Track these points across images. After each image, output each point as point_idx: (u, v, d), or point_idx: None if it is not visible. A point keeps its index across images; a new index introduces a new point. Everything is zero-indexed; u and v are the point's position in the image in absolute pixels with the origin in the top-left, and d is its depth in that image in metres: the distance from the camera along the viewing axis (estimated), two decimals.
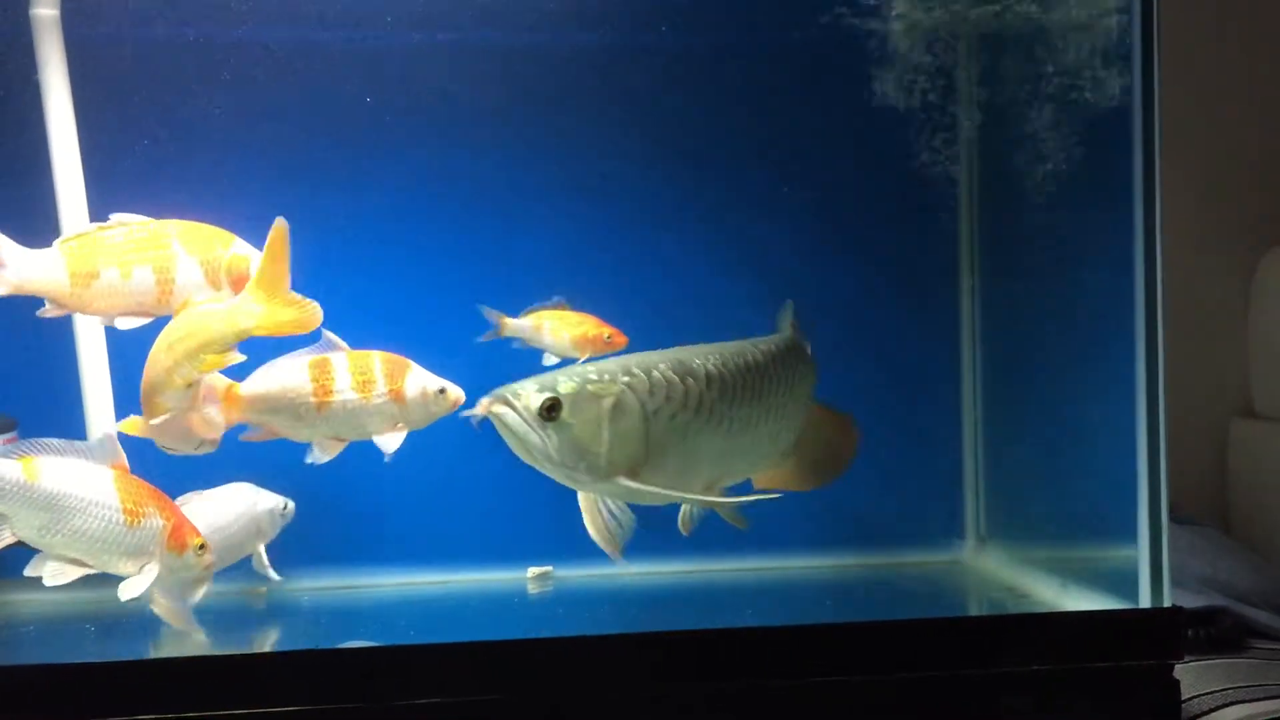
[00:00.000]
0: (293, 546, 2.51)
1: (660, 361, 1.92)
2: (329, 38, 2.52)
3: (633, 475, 1.86)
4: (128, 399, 2.41)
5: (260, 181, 2.54)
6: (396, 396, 2.25)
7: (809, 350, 2.34)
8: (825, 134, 2.75)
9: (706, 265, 2.73)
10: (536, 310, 2.55)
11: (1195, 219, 3.09)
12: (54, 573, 2.05)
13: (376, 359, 2.26)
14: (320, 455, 2.25)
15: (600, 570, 2.64)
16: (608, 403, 1.81)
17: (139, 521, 2.02)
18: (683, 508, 2.14)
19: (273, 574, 2.46)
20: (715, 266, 2.73)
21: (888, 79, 2.69)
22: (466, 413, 1.93)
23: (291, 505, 2.47)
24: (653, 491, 1.93)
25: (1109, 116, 2.19)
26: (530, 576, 2.66)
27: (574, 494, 2.58)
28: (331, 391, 2.22)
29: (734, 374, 2.01)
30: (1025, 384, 2.70)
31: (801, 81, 2.75)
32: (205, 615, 2.27)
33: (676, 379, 1.89)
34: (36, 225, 2.31)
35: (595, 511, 2.05)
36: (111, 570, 2.08)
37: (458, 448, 2.44)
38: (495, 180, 2.64)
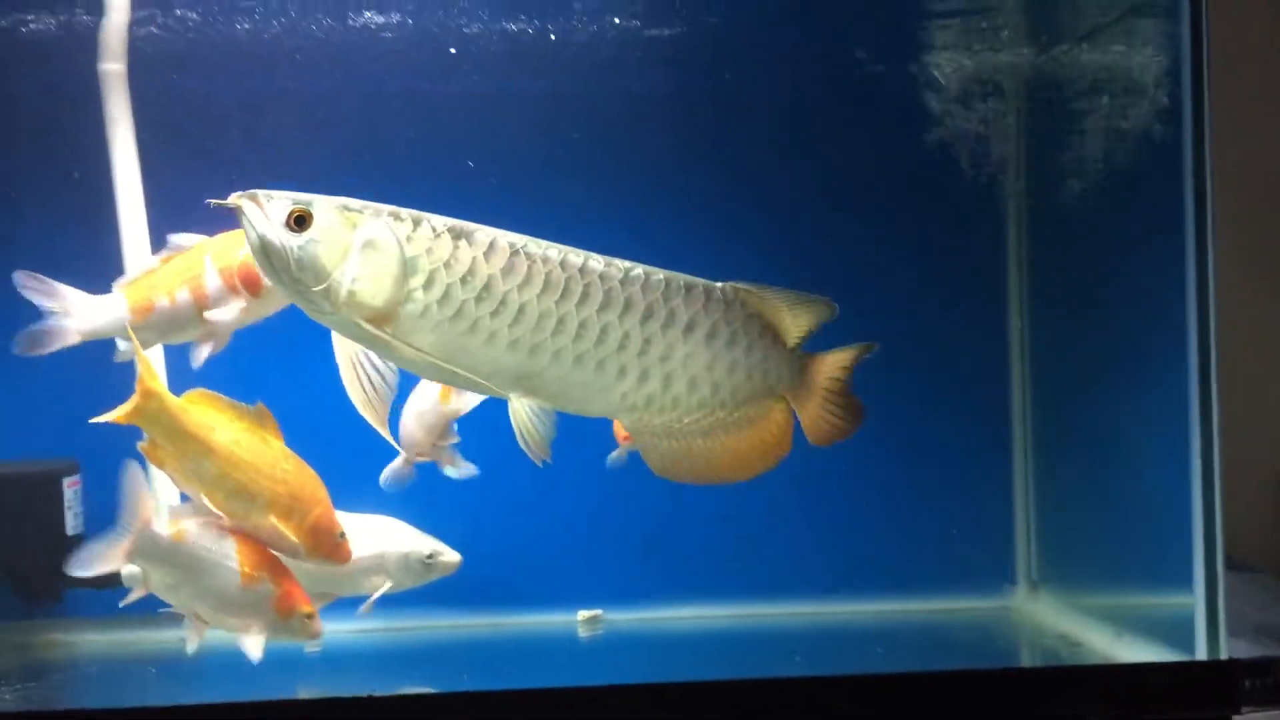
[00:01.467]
0: None
1: (446, 220, 1.79)
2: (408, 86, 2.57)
3: (378, 324, 1.73)
4: None
5: None
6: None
7: (792, 350, 1.97)
8: (886, 173, 2.77)
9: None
10: None
11: (1251, 261, 3.06)
12: (193, 633, 2.14)
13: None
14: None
15: (651, 614, 2.66)
16: (362, 232, 1.72)
17: (253, 584, 2.09)
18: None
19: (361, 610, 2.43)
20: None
21: (943, 114, 2.71)
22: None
23: (444, 555, 2.40)
24: (395, 344, 1.75)
25: (1158, 150, 2.19)
26: (581, 620, 2.67)
27: (623, 536, 2.62)
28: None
29: (551, 267, 1.78)
30: (1077, 426, 2.68)
31: (863, 116, 2.77)
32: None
33: (449, 237, 1.75)
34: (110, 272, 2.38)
35: (352, 370, 1.93)
36: (224, 628, 2.14)
37: (516, 489, 2.46)
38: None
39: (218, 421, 2.04)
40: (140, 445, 2.05)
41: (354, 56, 2.53)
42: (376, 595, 2.34)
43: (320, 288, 1.70)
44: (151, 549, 2.06)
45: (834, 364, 1.95)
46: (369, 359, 1.90)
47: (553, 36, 2.52)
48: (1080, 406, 2.66)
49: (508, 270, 1.75)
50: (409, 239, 1.72)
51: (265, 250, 1.71)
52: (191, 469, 2.04)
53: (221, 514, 2.06)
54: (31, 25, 2.39)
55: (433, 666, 2.53)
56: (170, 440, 2.02)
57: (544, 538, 2.69)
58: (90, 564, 2.04)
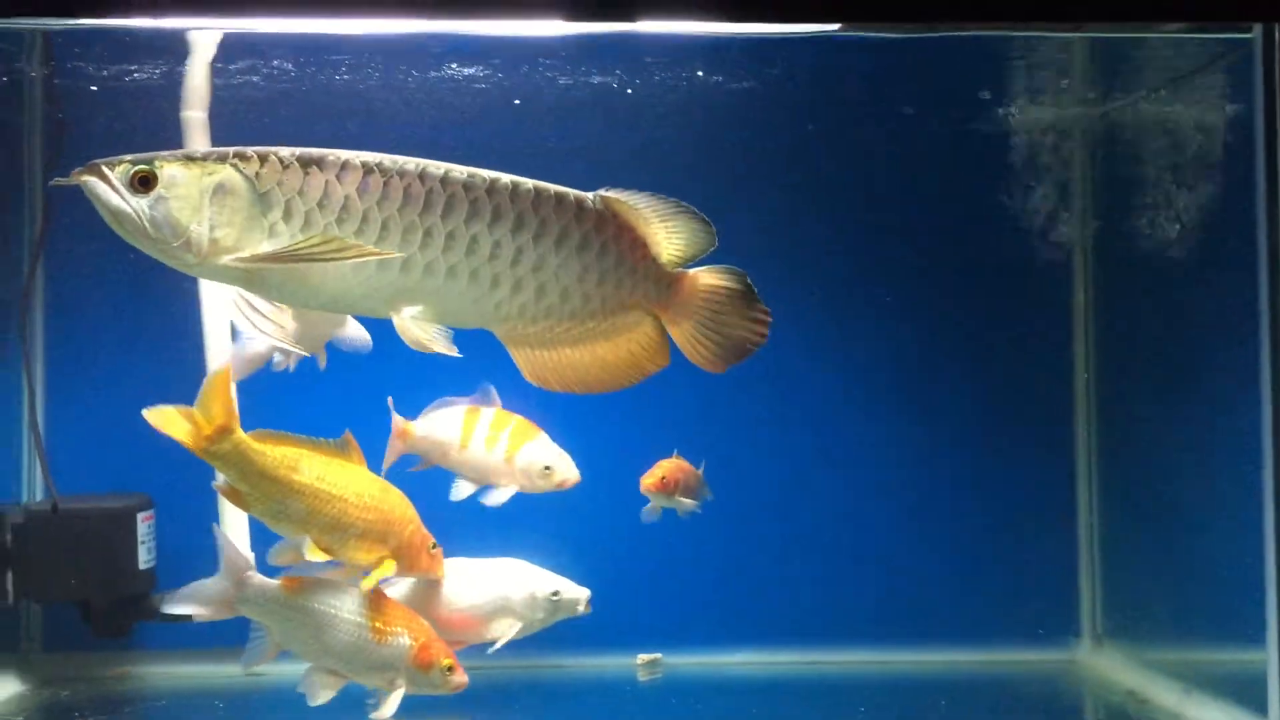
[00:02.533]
0: None
1: (294, 150, 1.74)
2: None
3: (249, 262, 1.70)
4: None
5: None
6: (508, 460, 2.33)
7: (665, 266, 1.86)
8: (957, 222, 2.79)
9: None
10: None
11: None
12: (311, 686, 2.12)
13: (511, 422, 2.34)
14: (458, 493, 2.34)
15: (710, 659, 2.65)
16: (209, 180, 1.68)
17: (386, 639, 2.10)
18: None
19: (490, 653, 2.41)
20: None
21: (1012, 163, 2.74)
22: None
23: (569, 592, 2.37)
24: (268, 281, 1.74)
25: (1229, 200, 2.18)
26: (640, 663, 2.67)
27: (684, 580, 2.62)
28: (470, 439, 2.32)
29: (409, 180, 1.74)
30: (1145, 476, 2.66)
31: (934, 166, 2.79)
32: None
33: (298, 166, 1.71)
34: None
35: (240, 313, 1.96)
36: (364, 682, 2.15)
37: (580, 533, 2.48)
38: None
39: (297, 458, 2.04)
40: (216, 486, 2.07)
41: (437, 106, 2.59)
42: (507, 638, 2.31)
43: (180, 241, 1.68)
44: (260, 600, 2.09)
45: (705, 286, 1.86)
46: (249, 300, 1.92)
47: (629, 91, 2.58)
48: (1148, 456, 2.64)
49: (364, 189, 1.71)
50: (258, 176, 1.70)
51: (118, 218, 1.68)
52: (278, 510, 2.04)
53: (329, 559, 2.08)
54: (116, 74, 2.48)
55: (494, 706, 2.54)
56: (247, 482, 2.02)
57: (606, 581, 2.69)
58: (194, 606, 2.11)
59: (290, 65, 2.37)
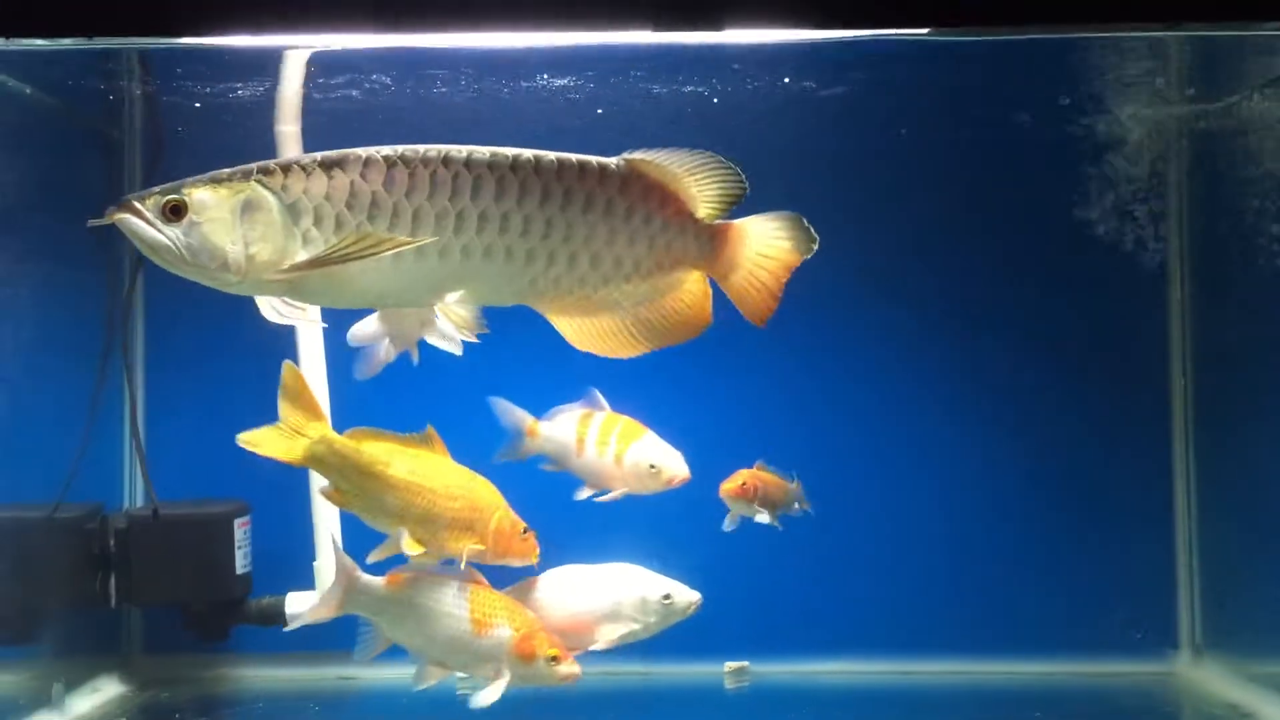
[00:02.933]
0: None
1: (314, 155, 1.76)
2: None
3: (289, 272, 1.71)
4: None
5: None
6: (617, 461, 2.34)
7: (703, 220, 1.84)
8: (1049, 229, 2.76)
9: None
10: None
11: None
12: (421, 675, 2.18)
13: (618, 424, 2.36)
14: (579, 495, 2.37)
15: (799, 667, 2.64)
16: (238, 200, 1.70)
17: (486, 631, 2.14)
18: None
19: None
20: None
21: (1105, 169, 2.70)
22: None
23: (681, 595, 2.33)
24: (312, 288, 1.76)
25: None
26: (727, 671, 2.67)
27: (774, 588, 2.61)
28: (584, 444, 2.34)
29: (434, 168, 1.74)
30: (1244, 483, 2.59)
31: (1026, 174, 2.77)
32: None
33: (320, 171, 1.72)
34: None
35: (275, 313, 1.91)
36: (471, 674, 2.19)
37: (669, 539, 2.48)
38: None
39: (390, 453, 2.10)
40: (322, 491, 2.13)
41: (530, 117, 2.61)
42: (618, 640, 2.30)
43: (218, 264, 1.69)
44: (363, 600, 2.14)
45: (757, 234, 1.83)
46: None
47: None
48: (1249, 461, 2.57)
49: (390, 182, 1.72)
50: (283, 187, 1.71)
51: (155, 250, 1.69)
52: (376, 505, 2.10)
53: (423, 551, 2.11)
54: (212, 89, 2.54)
55: (580, 714, 2.55)
56: (348, 480, 2.08)
57: (694, 587, 2.69)
58: (306, 613, 2.19)
59: (388, 79, 2.41)
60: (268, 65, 2.38)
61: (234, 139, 2.59)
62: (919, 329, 2.74)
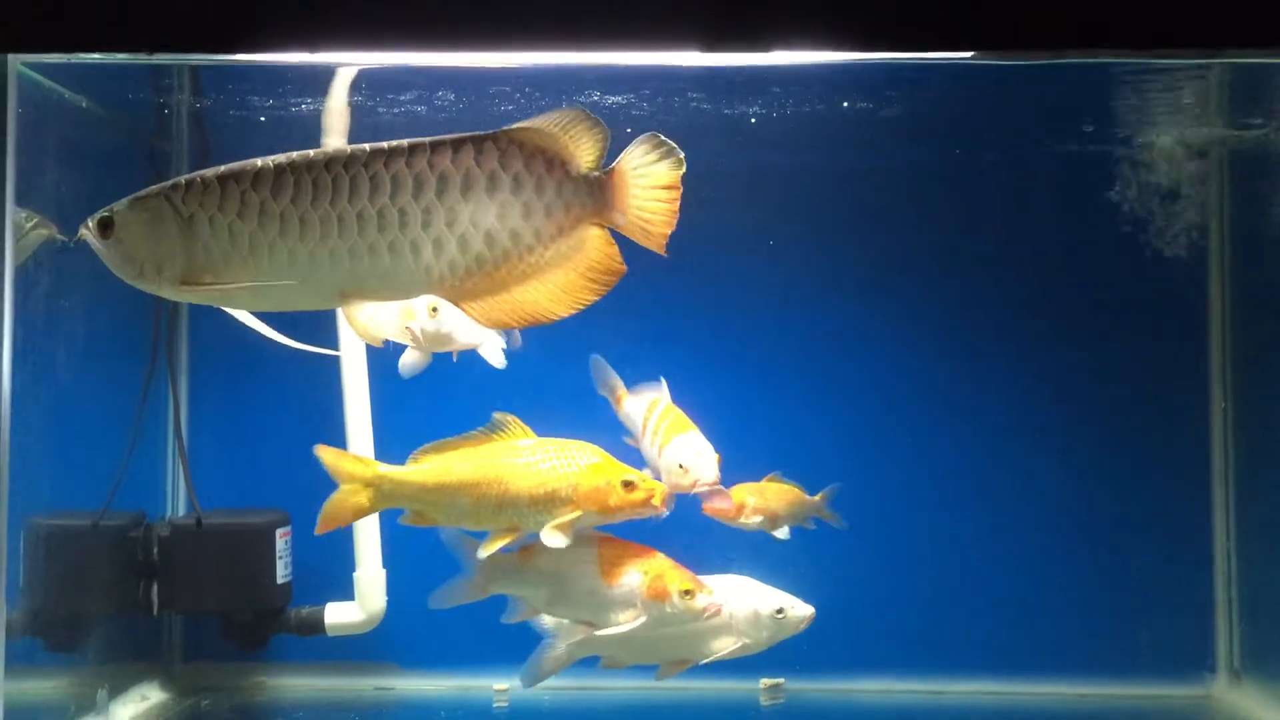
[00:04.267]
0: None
1: (222, 167, 1.81)
2: None
3: (197, 281, 1.78)
4: None
5: None
6: (659, 453, 2.32)
7: (589, 174, 1.81)
8: (1090, 249, 2.77)
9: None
10: None
11: None
12: (569, 637, 2.23)
13: (671, 416, 2.35)
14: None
15: (833, 685, 2.64)
16: (145, 215, 1.77)
17: (617, 580, 2.17)
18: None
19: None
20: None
21: (1146, 189, 2.71)
22: None
23: (794, 609, 2.30)
24: (221, 294, 1.82)
25: None
26: (763, 687, 2.67)
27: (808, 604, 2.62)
28: (645, 428, 2.37)
29: (316, 173, 1.76)
30: None
31: (1067, 193, 2.78)
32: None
33: (217, 183, 1.77)
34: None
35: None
36: (611, 625, 2.19)
37: (705, 555, 2.49)
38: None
39: (449, 462, 2.14)
40: (402, 520, 2.18)
41: None
42: (725, 654, 2.28)
43: (137, 274, 1.78)
44: (502, 576, 2.20)
45: (634, 170, 1.80)
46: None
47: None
48: None
49: (277, 190, 1.75)
50: (183, 200, 1.76)
51: (102, 259, 1.80)
52: (452, 514, 2.14)
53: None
54: (261, 103, 2.57)
55: None
56: (417, 503, 2.14)
57: None
58: (449, 599, 2.22)
59: (451, 95, 2.45)
60: (318, 80, 2.42)
61: (282, 151, 2.63)
62: (958, 351, 2.76)
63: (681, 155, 1.77)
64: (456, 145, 1.76)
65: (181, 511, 2.76)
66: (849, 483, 2.65)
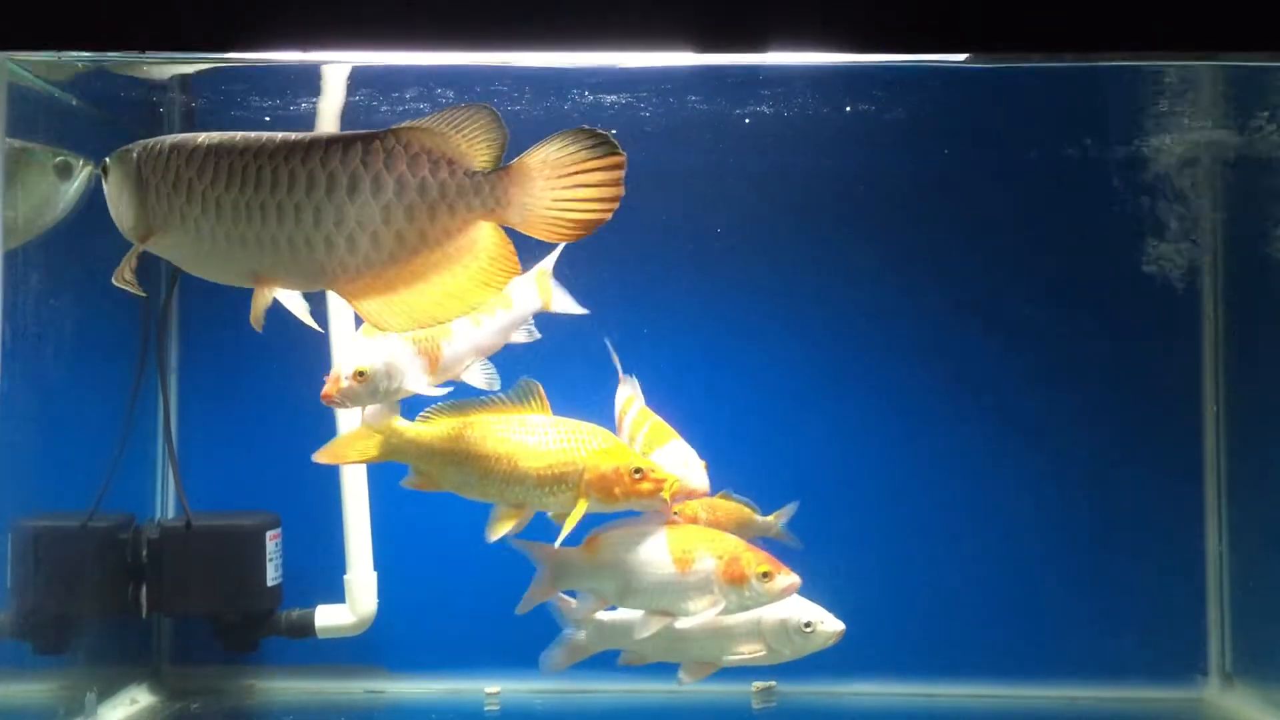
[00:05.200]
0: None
1: (168, 138, 1.85)
2: None
3: (145, 238, 1.83)
4: (383, 490, 2.61)
5: None
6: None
7: (482, 172, 1.78)
8: (1082, 253, 2.77)
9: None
10: None
11: None
12: (644, 624, 2.16)
13: (648, 422, 2.30)
14: None
15: (825, 688, 2.64)
16: (121, 171, 1.84)
17: (690, 567, 2.10)
18: None
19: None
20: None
21: (1138, 195, 2.71)
22: None
23: (825, 625, 2.21)
24: (165, 254, 1.88)
25: None
26: (755, 690, 2.67)
27: None
28: (621, 432, 2.31)
29: (233, 159, 1.78)
30: (1277, 504, 2.58)
31: (1058, 199, 2.78)
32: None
33: (165, 150, 1.82)
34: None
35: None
36: (689, 612, 2.13)
37: None
38: None
39: (462, 426, 2.09)
40: (404, 483, 2.13)
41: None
42: (747, 661, 2.22)
43: (115, 218, 1.85)
44: (570, 570, 2.15)
45: (540, 160, 1.75)
46: None
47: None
48: (1279, 489, 2.57)
49: (202, 171, 1.78)
50: (145, 162, 1.81)
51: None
52: (458, 482, 2.09)
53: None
54: (253, 102, 2.57)
55: None
56: (425, 462, 2.09)
57: None
58: (527, 605, 2.19)
59: (453, 93, 2.45)
60: (312, 80, 2.41)
61: None
62: (949, 353, 2.75)
63: (614, 149, 1.73)
64: (347, 145, 1.75)
65: (171, 513, 2.74)
66: (838, 485, 2.65)
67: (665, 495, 2.07)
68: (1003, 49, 1.97)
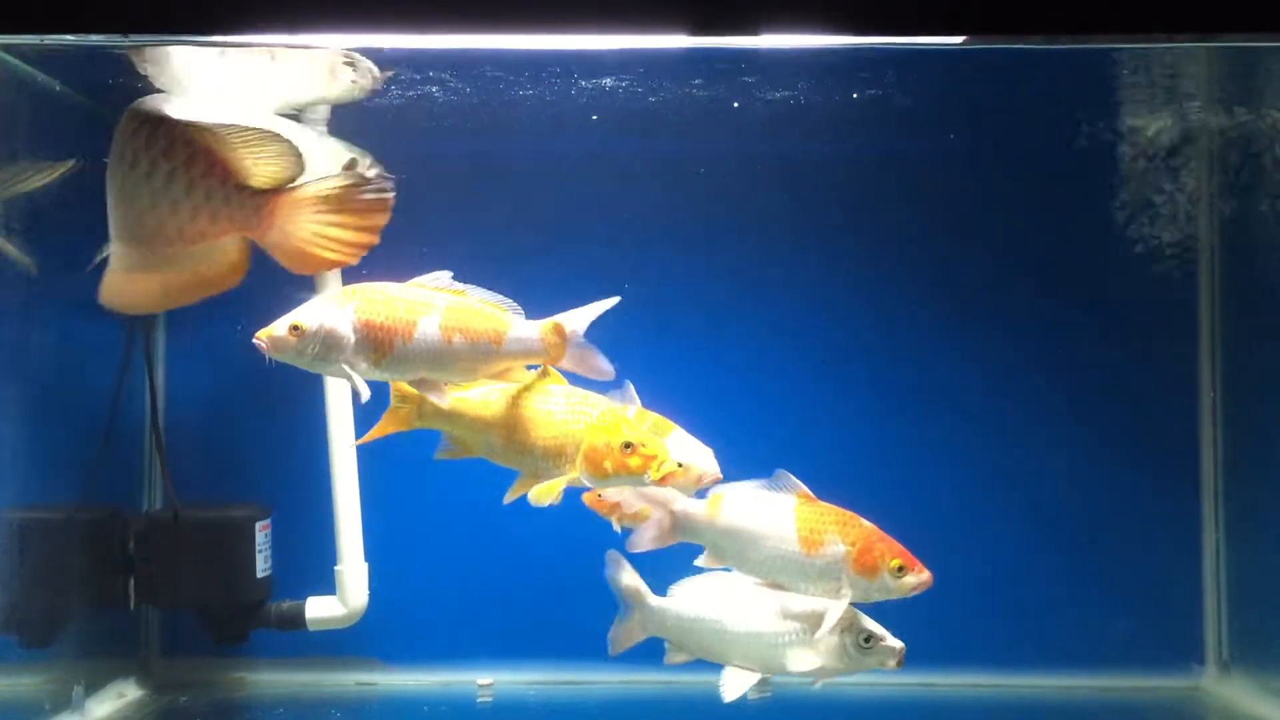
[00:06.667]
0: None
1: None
2: None
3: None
4: (374, 481, 2.58)
5: None
6: None
7: (257, 190, 1.84)
8: (1076, 242, 2.75)
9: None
10: None
11: None
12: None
13: (648, 419, 2.21)
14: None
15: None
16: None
17: (818, 549, 2.01)
18: None
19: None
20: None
21: (1133, 180, 2.70)
22: None
23: (885, 641, 2.08)
24: None
25: None
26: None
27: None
28: None
29: (122, 138, 1.86)
30: (1273, 497, 2.57)
31: (1051, 184, 2.77)
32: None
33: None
34: None
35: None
36: (809, 594, 2.05)
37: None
38: None
39: (489, 394, 2.04)
40: (438, 454, 2.08)
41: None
42: (797, 674, 2.11)
43: None
44: (690, 524, 2.05)
45: (312, 195, 1.80)
46: None
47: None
48: (1275, 479, 2.56)
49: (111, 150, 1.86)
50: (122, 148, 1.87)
51: None
52: (486, 448, 2.04)
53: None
54: None
55: None
56: (457, 428, 2.04)
57: None
58: (642, 545, 2.07)
59: (448, 76, 2.42)
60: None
61: None
62: (944, 345, 2.74)
63: (382, 188, 1.79)
64: (152, 133, 1.81)
65: (159, 505, 2.71)
66: (837, 477, 2.63)
67: (654, 475, 1.95)
68: (999, 31, 1.96)
